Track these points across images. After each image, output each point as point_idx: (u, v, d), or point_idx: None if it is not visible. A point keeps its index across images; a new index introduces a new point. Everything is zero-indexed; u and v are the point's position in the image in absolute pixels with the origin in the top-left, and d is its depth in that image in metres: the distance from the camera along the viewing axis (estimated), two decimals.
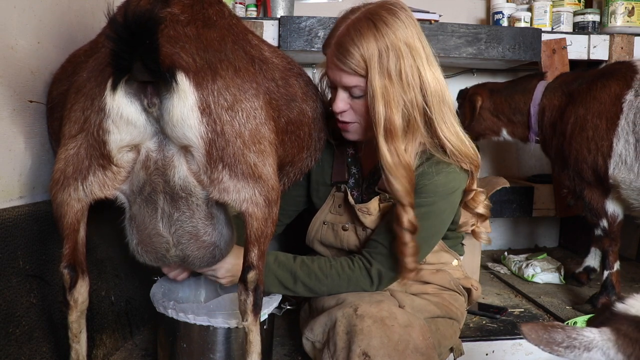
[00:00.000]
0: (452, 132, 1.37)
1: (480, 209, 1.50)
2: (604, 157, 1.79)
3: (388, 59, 1.28)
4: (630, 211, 1.89)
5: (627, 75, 1.81)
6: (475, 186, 1.48)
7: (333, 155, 1.57)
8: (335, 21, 1.39)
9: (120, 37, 0.87)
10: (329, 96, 1.53)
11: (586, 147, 1.84)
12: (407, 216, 1.32)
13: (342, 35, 1.32)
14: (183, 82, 0.97)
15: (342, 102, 1.37)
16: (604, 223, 1.91)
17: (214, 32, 1.10)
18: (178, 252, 1.19)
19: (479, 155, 1.44)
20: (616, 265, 1.91)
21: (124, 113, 0.98)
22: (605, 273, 1.92)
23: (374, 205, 1.47)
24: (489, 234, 1.66)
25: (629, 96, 1.75)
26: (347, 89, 1.36)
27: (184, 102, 0.98)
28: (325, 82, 1.51)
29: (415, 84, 1.30)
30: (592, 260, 2.26)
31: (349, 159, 1.56)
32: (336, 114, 1.41)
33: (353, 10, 1.36)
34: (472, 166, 1.43)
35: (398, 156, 1.30)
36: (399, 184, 1.30)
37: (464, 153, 1.38)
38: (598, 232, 1.94)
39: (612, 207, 1.89)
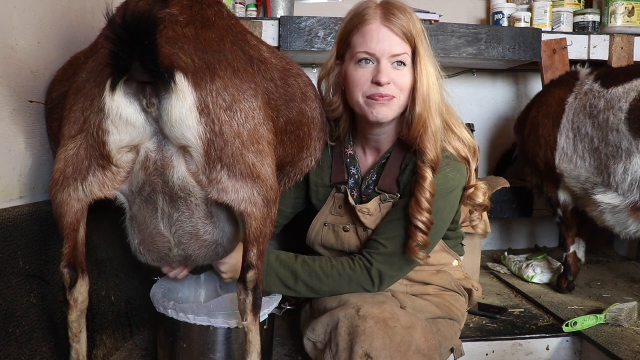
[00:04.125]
0: (450, 111, 1.47)
1: (481, 199, 1.52)
2: (551, 150, 2.03)
3: (424, 34, 1.41)
4: (576, 200, 2.08)
5: (570, 82, 2.06)
6: (474, 181, 1.49)
7: (331, 156, 1.57)
8: (352, 12, 1.43)
9: (119, 38, 0.87)
10: (330, 96, 1.53)
11: (538, 143, 2.08)
12: (429, 186, 1.37)
13: (386, 7, 1.39)
14: (181, 82, 0.98)
15: (387, 73, 1.37)
16: (559, 212, 2.14)
17: (212, 32, 1.10)
18: (180, 252, 1.20)
19: (476, 143, 1.51)
20: (572, 248, 2.15)
21: (123, 113, 0.98)
22: (564, 255, 2.15)
23: (374, 205, 1.48)
24: (489, 234, 1.67)
25: (570, 99, 2.00)
26: (394, 56, 1.37)
27: (183, 102, 0.98)
28: (329, 81, 1.50)
29: (435, 63, 1.44)
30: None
31: (348, 160, 1.56)
32: (378, 87, 1.37)
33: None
34: (468, 151, 1.44)
35: (439, 122, 1.41)
36: (434, 148, 1.39)
37: (459, 133, 1.45)
38: (557, 219, 2.18)
39: (563, 197, 2.10)
